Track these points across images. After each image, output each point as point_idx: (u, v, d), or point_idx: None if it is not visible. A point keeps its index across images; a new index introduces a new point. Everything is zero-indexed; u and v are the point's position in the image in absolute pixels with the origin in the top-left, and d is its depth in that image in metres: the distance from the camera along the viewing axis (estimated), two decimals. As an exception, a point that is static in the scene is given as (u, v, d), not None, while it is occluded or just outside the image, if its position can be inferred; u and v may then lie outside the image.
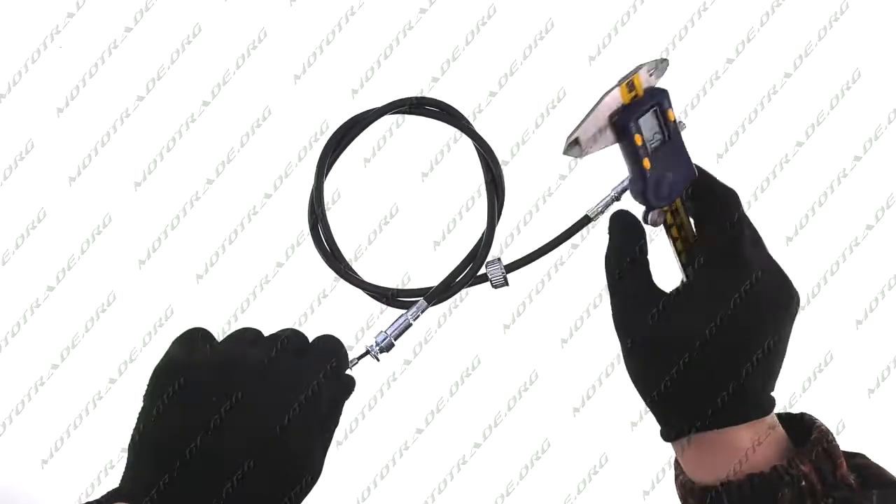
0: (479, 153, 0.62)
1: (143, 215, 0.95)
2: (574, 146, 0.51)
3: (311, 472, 0.47)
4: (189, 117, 0.95)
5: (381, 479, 0.87)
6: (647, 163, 0.50)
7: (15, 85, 0.96)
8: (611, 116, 0.50)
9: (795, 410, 0.56)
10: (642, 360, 0.51)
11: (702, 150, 0.97)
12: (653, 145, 0.51)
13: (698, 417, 0.50)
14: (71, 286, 0.94)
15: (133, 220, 0.95)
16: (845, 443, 0.90)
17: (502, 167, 0.63)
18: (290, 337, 0.50)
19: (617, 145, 0.52)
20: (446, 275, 0.61)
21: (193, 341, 0.50)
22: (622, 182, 0.57)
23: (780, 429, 0.51)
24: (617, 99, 0.49)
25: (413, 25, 0.94)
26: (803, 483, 0.47)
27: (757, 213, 0.96)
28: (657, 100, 0.50)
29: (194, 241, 0.93)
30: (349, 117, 0.57)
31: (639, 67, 0.49)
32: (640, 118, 0.49)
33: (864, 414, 0.92)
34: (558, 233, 0.60)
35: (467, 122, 0.61)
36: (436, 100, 0.59)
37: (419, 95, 0.58)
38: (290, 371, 0.47)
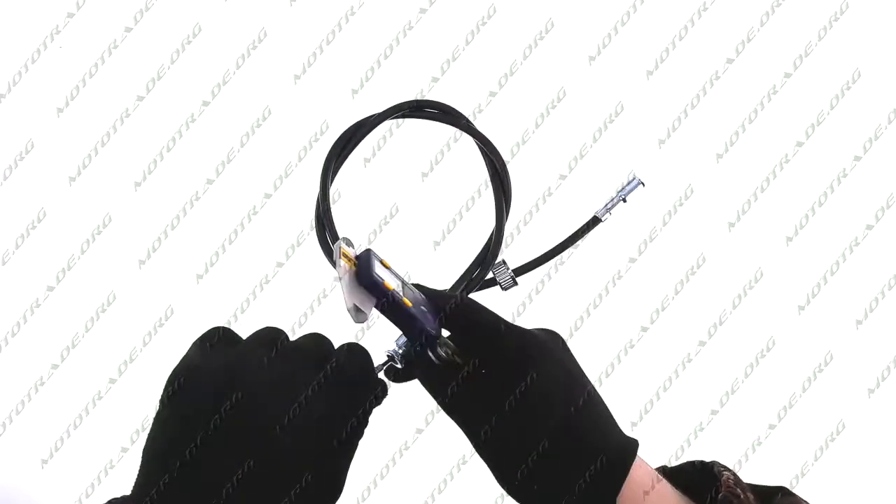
0: (482, 151, 0.62)
1: (143, 215, 0.95)
2: (359, 312, 0.53)
3: (313, 472, 0.46)
4: (189, 117, 0.95)
5: (381, 479, 0.87)
6: (407, 302, 0.53)
7: (15, 85, 0.96)
8: (356, 281, 0.53)
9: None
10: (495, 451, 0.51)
11: (702, 150, 0.97)
12: (399, 289, 0.54)
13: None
14: (71, 286, 0.94)
15: (133, 220, 0.95)
16: (845, 443, 0.90)
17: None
18: (308, 341, 0.50)
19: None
20: (458, 277, 0.62)
21: (210, 341, 0.50)
22: (628, 183, 0.58)
23: (665, 485, 0.50)
24: (347, 269, 0.53)
25: (413, 25, 0.94)
26: None
27: (757, 212, 0.97)
28: (367, 257, 0.54)
29: (194, 241, 0.93)
30: (351, 123, 0.57)
31: (338, 246, 0.53)
32: (375, 272, 0.53)
33: (864, 414, 0.92)
34: (566, 234, 0.61)
35: (467, 120, 0.61)
36: (435, 101, 0.60)
37: (418, 98, 0.59)
38: (291, 372, 0.47)
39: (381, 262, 0.54)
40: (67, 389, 0.94)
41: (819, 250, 0.93)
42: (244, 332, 0.53)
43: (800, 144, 0.94)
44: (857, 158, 0.95)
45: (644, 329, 0.90)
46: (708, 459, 0.53)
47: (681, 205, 0.93)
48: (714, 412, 0.89)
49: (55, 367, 0.94)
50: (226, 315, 0.88)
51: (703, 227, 0.94)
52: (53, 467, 0.92)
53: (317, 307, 0.85)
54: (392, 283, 0.53)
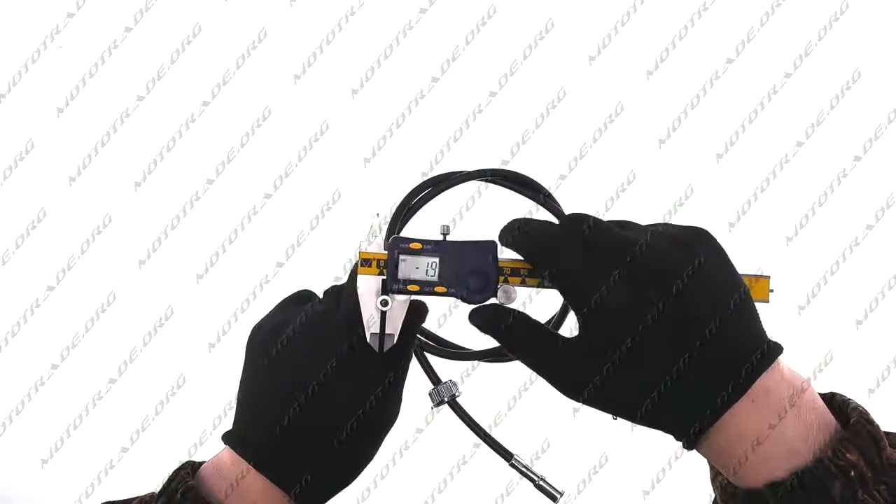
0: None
1: (143, 215, 0.95)
2: (389, 337, 0.53)
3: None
4: (189, 117, 0.95)
5: (381, 478, 0.87)
6: (440, 289, 0.53)
7: (15, 85, 0.96)
8: (383, 292, 0.53)
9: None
10: (611, 398, 0.49)
11: (702, 150, 0.97)
12: (433, 270, 0.53)
13: (703, 406, 0.46)
14: (71, 286, 0.94)
15: (133, 220, 0.95)
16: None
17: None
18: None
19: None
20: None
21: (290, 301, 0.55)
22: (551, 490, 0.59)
23: (812, 393, 0.49)
24: (373, 280, 0.53)
25: (413, 25, 0.94)
26: (852, 472, 0.45)
27: (757, 212, 0.97)
28: (396, 247, 0.53)
29: (194, 241, 0.93)
30: (432, 175, 0.56)
31: (358, 247, 0.53)
32: (398, 274, 0.53)
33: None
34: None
35: (547, 192, 0.60)
36: (517, 173, 0.58)
37: (502, 168, 0.58)
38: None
39: (411, 249, 0.53)
40: (67, 389, 0.94)
41: (819, 250, 0.93)
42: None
43: (800, 144, 0.94)
44: (857, 158, 0.95)
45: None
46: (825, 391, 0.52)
47: (681, 205, 0.93)
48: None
49: (55, 367, 0.94)
50: (225, 315, 0.88)
51: (703, 227, 0.93)
52: (53, 467, 0.92)
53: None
54: (418, 274, 0.52)
